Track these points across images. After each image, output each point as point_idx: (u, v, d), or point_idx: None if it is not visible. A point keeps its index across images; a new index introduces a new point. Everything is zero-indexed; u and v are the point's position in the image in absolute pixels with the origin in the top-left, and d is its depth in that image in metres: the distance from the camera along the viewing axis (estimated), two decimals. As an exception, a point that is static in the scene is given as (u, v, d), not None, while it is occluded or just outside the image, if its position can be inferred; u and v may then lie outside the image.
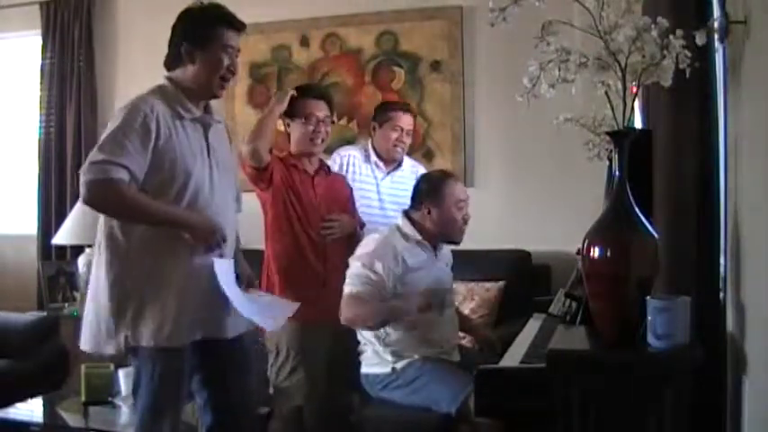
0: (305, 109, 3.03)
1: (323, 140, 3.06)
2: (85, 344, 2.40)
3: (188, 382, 2.43)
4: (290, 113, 3.06)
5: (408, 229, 2.96)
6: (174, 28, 2.44)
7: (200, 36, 2.38)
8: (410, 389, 2.84)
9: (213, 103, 2.54)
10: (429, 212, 2.95)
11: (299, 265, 3.01)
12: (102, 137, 2.29)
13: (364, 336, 2.98)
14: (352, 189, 3.33)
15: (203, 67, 2.38)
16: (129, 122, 2.26)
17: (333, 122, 3.15)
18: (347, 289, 2.84)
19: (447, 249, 3.11)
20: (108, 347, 2.33)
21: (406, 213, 3.02)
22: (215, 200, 2.40)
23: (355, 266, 2.87)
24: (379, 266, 2.83)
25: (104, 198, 2.27)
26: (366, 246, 2.93)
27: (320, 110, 3.04)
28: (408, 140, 3.56)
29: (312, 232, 3.03)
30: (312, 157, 3.10)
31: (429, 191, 2.98)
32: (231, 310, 2.42)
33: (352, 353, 2.99)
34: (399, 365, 2.88)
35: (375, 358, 2.94)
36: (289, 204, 3.01)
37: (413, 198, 3.04)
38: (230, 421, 2.50)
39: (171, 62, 2.43)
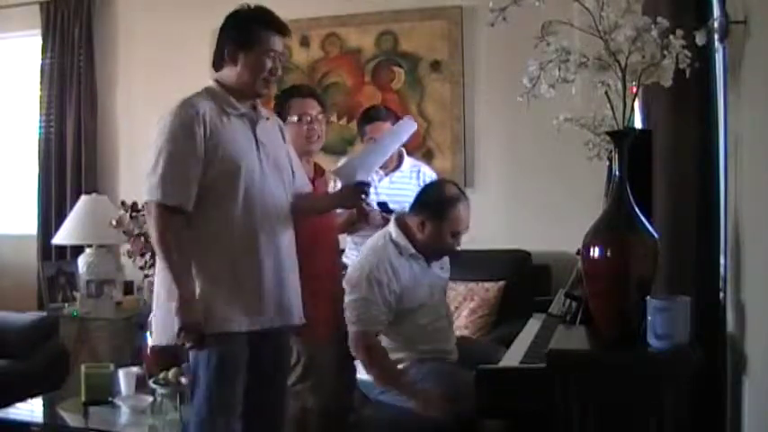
0: (295, 109, 3.03)
1: (319, 137, 3.04)
2: (158, 338, 2.46)
3: (245, 372, 2.44)
4: (282, 117, 3.06)
5: (402, 240, 2.89)
6: (221, 29, 2.50)
7: (244, 39, 2.44)
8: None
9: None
10: (423, 225, 2.88)
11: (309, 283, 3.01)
12: (155, 156, 2.35)
13: None
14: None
15: (245, 69, 2.43)
16: (177, 139, 2.33)
17: (328, 120, 3.14)
18: (354, 327, 2.82)
19: None
20: (165, 338, 2.41)
21: (399, 219, 2.96)
22: (266, 192, 2.45)
23: (354, 297, 2.84)
24: (377, 294, 2.81)
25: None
26: (361, 269, 2.88)
27: (311, 108, 3.02)
28: None
29: (322, 248, 3.00)
30: (310, 157, 3.08)
31: (433, 205, 2.89)
32: (294, 301, 2.49)
33: (354, 359, 2.99)
34: None
35: None
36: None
37: (414, 202, 2.98)
38: (265, 419, 2.52)
39: (217, 63, 2.50)
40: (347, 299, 2.87)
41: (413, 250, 2.90)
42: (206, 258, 2.38)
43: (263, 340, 2.45)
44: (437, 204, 2.89)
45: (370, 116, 3.55)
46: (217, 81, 2.49)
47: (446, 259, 3.08)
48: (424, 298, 2.93)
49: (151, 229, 2.38)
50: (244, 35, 2.44)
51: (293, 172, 2.61)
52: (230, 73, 2.46)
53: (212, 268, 2.37)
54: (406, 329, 2.91)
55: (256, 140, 2.46)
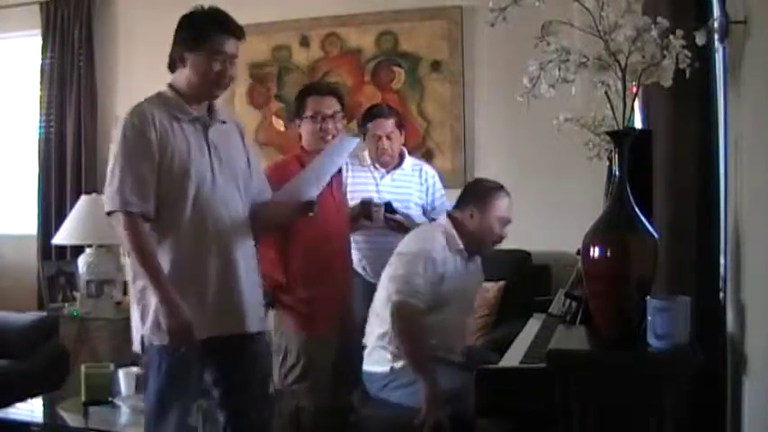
0: (311, 106, 3.03)
1: (333, 137, 3.02)
2: (136, 344, 2.46)
3: (196, 380, 2.44)
4: (299, 112, 3.06)
5: (453, 232, 2.96)
6: (175, 32, 2.47)
7: (191, 40, 2.41)
8: (409, 390, 2.81)
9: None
10: (472, 216, 2.96)
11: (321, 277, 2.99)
12: (111, 164, 2.36)
13: (368, 331, 2.99)
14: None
15: (193, 71, 2.41)
16: (130, 146, 2.34)
17: (344, 118, 3.13)
18: (398, 297, 2.81)
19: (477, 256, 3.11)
20: (134, 346, 2.43)
21: (450, 214, 3.03)
22: (217, 195, 2.42)
23: (406, 270, 2.85)
24: (429, 272, 2.84)
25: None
26: (422, 243, 2.92)
27: (328, 106, 3.02)
28: (391, 142, 3.52)
29: (336, 240, 3.02)
30: None
31: (478, 195, 3.00)
32: (250, 307, 2.46)
33: (355, 359, 2.98)
34: (398, 365, 2.87)
35: (375, 355, 2.94)
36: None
37: (459, 199, 3.05)
38: (245, 423, 2.51)
39: (171, 66, 2.48)
40: (398, 272, 2.87)
41: (460, 245, 2.96)
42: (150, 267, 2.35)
43: (228, 346, 2.43)
44: (482, 193, 3.00)
45: (373, 113, 3.55)
46: (170, 85, 2.47)
47: (479, 263, 3.12)
48: (456, 295, 2.94)
49: (123, 238, 2.36)
50: (192, 36, 2.41)
51: (255, 177, 2.59)
52: (181, 76, 2.44)
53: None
54: (433, 323, 2.89)
55: (208, 145, 2.44)
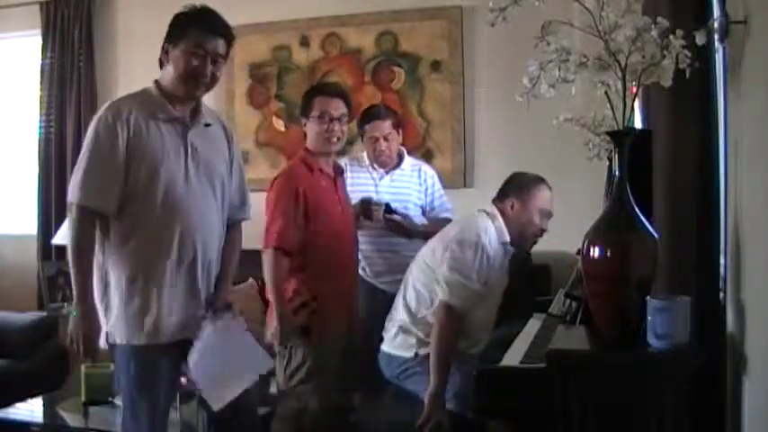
0: (318, 107, 3.02)
1: (338, 139, 3.02)
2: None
3: (169, 380, 2.43)
4: (305, 112, 3.06)
5: (501, 224, 2.91)
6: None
7: (173, 36, 2.40)
8: (427, 380, 2.76)
9: (214, 105, 2.53)
10: (512, 207, 2.93)
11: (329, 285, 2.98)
12: (81, 155, 2.36)
13: (395, 313, 2.96)
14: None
15: (173, 66, 2.40)
16: (100, 142, 2.33)
17: (349, 122, 3.12)
18: (445, 298, 2.78)
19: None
20: (100, 341, 2.40)
21: (497, 205, 2.97)
22: (190, 199, 2.39)
23: (457, 266, 2.80)
24: (481, 265, 2.81)
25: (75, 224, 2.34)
26: (476, 235, 2.85)
27: (335, 108, 3.00)
28: (389, 143, 3.52)
29: (343, 245, 3.01)
30: (328, 157, 3.07)
31: (519, 186, 2.97)
32: (197, 314, 2.42)
33: (358, 359, 2.98)
34: (423, 352, 2.83)
35: (400, 339, 2.91)
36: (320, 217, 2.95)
37: (499, 192, 3.01)
38: (227, 416, 2.49)
39: (160, 63, 2.47)
40: (451, 261, 2.82)
41: (507, 238, 2.92)
42: (119, 264, 2.35)
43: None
44: (524, 184, 2.97)
45: (370, 115, 3.55)
46: (156, 82, 2.45)
47: (506, 263, 3.05)
48: (494, 291, 2.93)
49: (69, 229, 2.35)
50: (173, 32, 2.40)
51: (235, 189, 2.56)
52: (165, 73, 2.44)
53: (123, 275, 2.35)
54: (466, 317, 2.86)
55: (185, 146, 2.41)
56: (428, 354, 2.80)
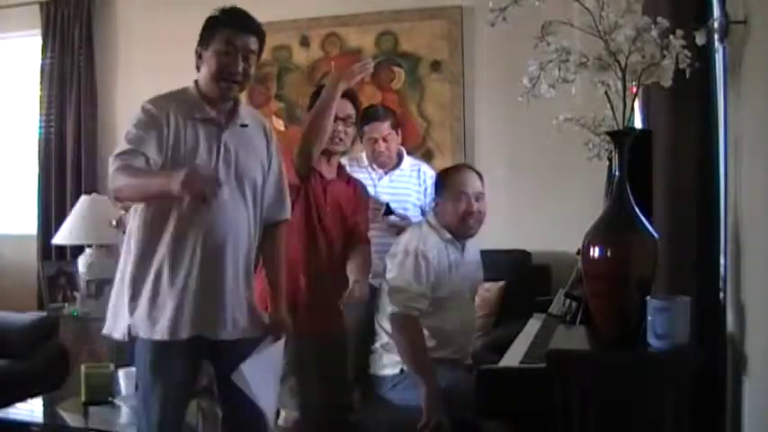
0: None
1: (342, 140, 2.97)
2: (105, 327, 2.48)
3: (182, 377, 2.43)
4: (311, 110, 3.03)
5: (436, 224, 3.00)
6: None
7: (204, 38, 2.43)
8: (418, 392, 2.78)
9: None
10: (438, 204, 3.03)
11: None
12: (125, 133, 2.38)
13: (377, 336, 2.99)
14: (367, 197, 3.21)
15: (206, 68, 2.43)
16: (143, 119, 2.36)
17: (355, 124, 3.10)
18: (393, 308, 2.85)
19: (474, 249, 3.12)
20: (116, 333, 2.42)
21: (433, 209, 3.09)
22: (219, 200, 2.35)
23: (397, 274, 2.88)
24: (423, 271, 2.86)
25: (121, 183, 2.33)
26: (407, 244, 2.92)
27: (342, 109, 2.94)
28: (388, 144, 3.52)
29: (323, 244, 2.96)
30: (332, 157, 3.04)
31: (437, 183, 3.10)
32: (228, 314, 2.43)
33: (342, 357, 2.95)
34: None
35: (385, 359, 2.95)
36: (312, 211, 2.92)
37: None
38: (242, 419, 2.51)
39: (197, 66, 2.49)
40: (390, 275, 2.92)
41: (448, 235, 2.98)
42: (145, 260, 2.37)
43: (216, 348, 2.44)
44: (438, 180, 3.12)
45: (369, 116, 3.54)
46: (195, 82, 2.48)
47: (479, 258, 3.14)
48: (456, 288, 2.95)
49: (111, 177, 2.32)
50: (204, 33, 2.43)
51: (270, 189, 2.55)
52: (200, 75, 2.46)
53: (149, 271, 2.36)
54: (435, 324, 2.90)
55: (219, 147, 2.42)
56: None
